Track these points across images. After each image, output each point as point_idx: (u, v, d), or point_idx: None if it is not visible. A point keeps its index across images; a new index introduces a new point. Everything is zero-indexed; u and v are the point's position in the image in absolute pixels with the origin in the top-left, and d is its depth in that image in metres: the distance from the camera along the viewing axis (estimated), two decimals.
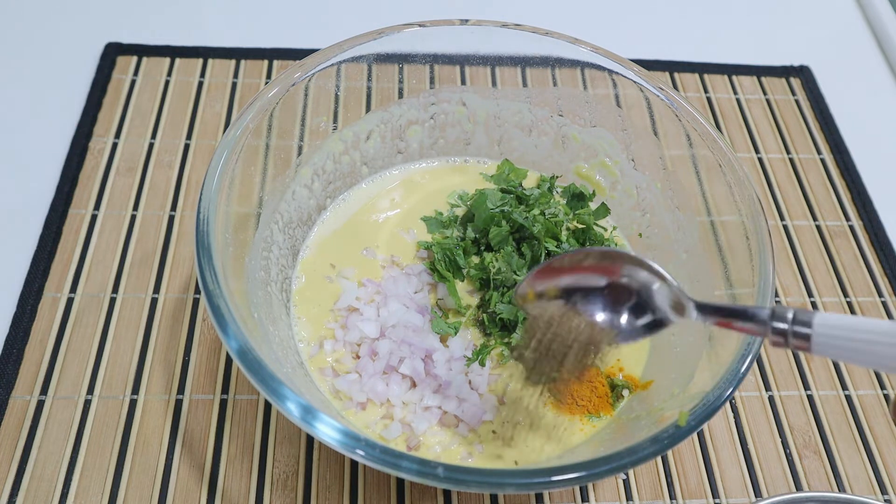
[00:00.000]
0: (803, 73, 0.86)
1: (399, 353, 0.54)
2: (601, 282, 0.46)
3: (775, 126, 0.82)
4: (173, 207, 0.68)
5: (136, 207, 0.67)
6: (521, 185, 0.65)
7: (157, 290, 0.62)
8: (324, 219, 0.63)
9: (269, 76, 0.79)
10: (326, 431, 0.41)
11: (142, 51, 0.79)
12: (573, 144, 0.65)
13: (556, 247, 0.58)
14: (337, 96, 0.60)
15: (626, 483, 0.56)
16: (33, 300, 0.61)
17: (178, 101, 0.76)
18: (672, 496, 0.56)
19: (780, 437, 0.60)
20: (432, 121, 0.65)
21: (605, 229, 0.64)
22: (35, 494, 0.52)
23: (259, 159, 0.55)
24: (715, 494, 0.56)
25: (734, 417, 0.60)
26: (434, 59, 0.63)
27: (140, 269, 0.64)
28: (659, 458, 0.58)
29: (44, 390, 0.56)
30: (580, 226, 0.62)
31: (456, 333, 0.56)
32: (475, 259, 0.60)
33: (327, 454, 0.55)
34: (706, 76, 0.85)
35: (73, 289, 0.62)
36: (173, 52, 0.79)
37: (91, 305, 0.61)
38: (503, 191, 0.64)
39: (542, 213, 0.61)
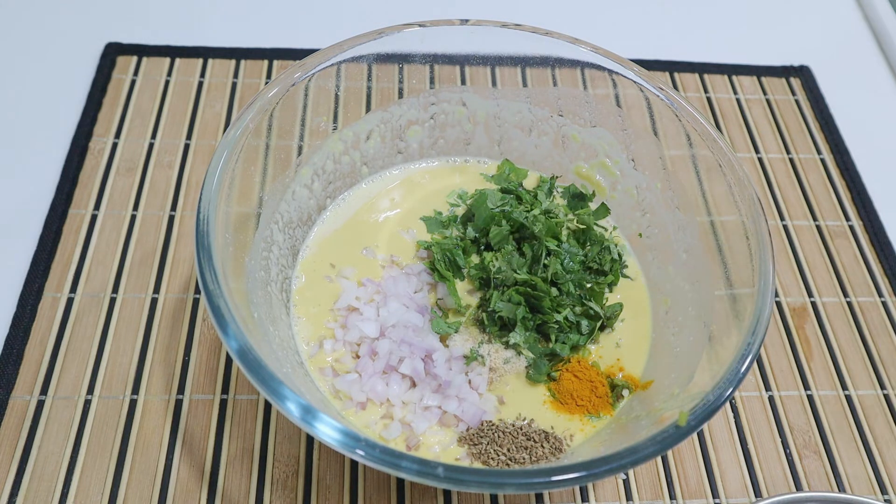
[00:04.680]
0: (803, 73, 0.87)
1: (399, 352, 0.54)
2: None
3: (775, 126, 0.82)
4: (173, 207, 0.68)
5: (136, 207, 0.67)
6: (521, 185, 0.65)
7: (157, 290, 0.62)
8: (324, 219, 0.63)
9: (269, 76, 0.79)
10: (326, 431, 0.41)
11: (142, 51, 0.79)
12: (573, 144, 0.65)
13: (556, 246, 0.59)
14: (337, 96, 0.60)
15: (626, 483, 0.56)
16: (33, 300, 0.61)
17: (178, 101, 0.76)
18: (672, 496, 0.56)
19: (780, 437, 0.60)
20: (432, 121, 0.65)
21: (606, 229, 0.64)
22: (35, 494, 0.52)
23: (259, 159, 0.55)
24: (715, 494, 0.56)
25: (734, 417, 0.60)
26: (434, 59, 0.63)
27: (140, 269, 0.64)
28: (659, 458, 0.58)
29: (44, 390, 0.56)
30: (580, 226, 0.62)
31: (456, 333, 0.56)
32: (475, 259, 0.60)
33: (327, 454, 0.55)
34: (706, 76, 0.85)
35: (73, 289, 0.62)
36: (173, 52, 0.79)
37: (91, 305, 0.61)
38: (503, 191, 0.64)
39: (543, 213, 0.61)
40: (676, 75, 0.84)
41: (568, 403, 0.54)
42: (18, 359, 0.58)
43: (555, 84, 0.63)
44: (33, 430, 0.55)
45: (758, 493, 0.57)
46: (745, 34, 0.92)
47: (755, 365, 0.63)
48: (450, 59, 0.64)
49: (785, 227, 0.73)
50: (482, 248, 0.61)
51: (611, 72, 0.60)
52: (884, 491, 0.58)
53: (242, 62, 0.80)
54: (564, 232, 0.60)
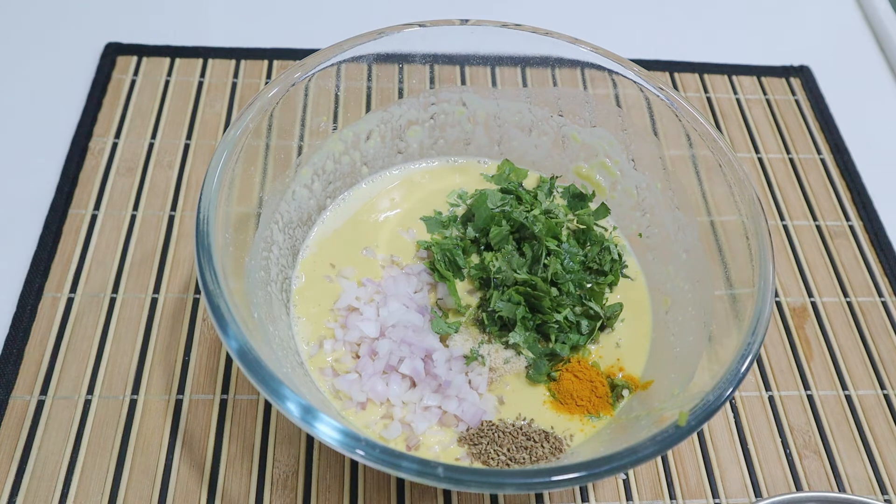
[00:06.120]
0: (803, 73, 0.86)
1: (399, 352, 0.54)
2: None
3: (775, 126, 0.82)
4: (173, 207, 0.68)
5: (136, 207, 0.67)
6: (521, 185, 0.65)
7: (157, 290, 0.62)
8: (324, 219, 0.63)
9: (269, 76, 0.79)
10: (326, 431, 0.41)
11: (142, 51, 0.79)
12: (573, 144, 0.65)
13: (556, 246, 0.59)
14: (337, 96, 0.60)
15: (626, 483, 0.56)
16: (33, 300, 0.61)
17: (178, 101, 0.76)
18: (672, 496, 0.56)
19: (780, 437, 0.60)
20: (432, 121, 0.65)
21: (606, 229, 0.64)
22: (35, 494, 0.52)
23: (259, 159, 0.55)
24: (715, 494, 0.56)
25: (734, 417, 0.60)
26: (434, 59, 0.63)
27: (140, 269, 0.64)
28: (659, 458, 0.58)
29: (44, 390, 0.56)
30: (580, 226, 0.62)
31: (456, 333, 0.56)
32: (475, 259, 0.60)
33: (327, 454, 0.55)
34: (706, 76, 0.85)
35: (73, 289, 0.62)
36: (173, 52, 0.79)
37: (91, 305, 0.61)
38: (503, 191, 0.64)
39: (543, 213, 0.61)
40: (676, 75, 0.84)
41: (568, 403, 0.54)
42: (18, 359, 0.58)
43: (555, 84, 0.63)
44: (33, 430, 0.55)
45: (758, 493, 0.57)
46: (745, 34, 0.92)
47: (755, 365, 0.63)
48: (450, 59, 0.64)
49: (785, 227, 0.73)
50: (482, 248, 0.61)
51: (611, 72, 0.60)
52: (884, 491, 0.58)
53: (242, 62, 0.80)
54: (564, 232, 0.60)
